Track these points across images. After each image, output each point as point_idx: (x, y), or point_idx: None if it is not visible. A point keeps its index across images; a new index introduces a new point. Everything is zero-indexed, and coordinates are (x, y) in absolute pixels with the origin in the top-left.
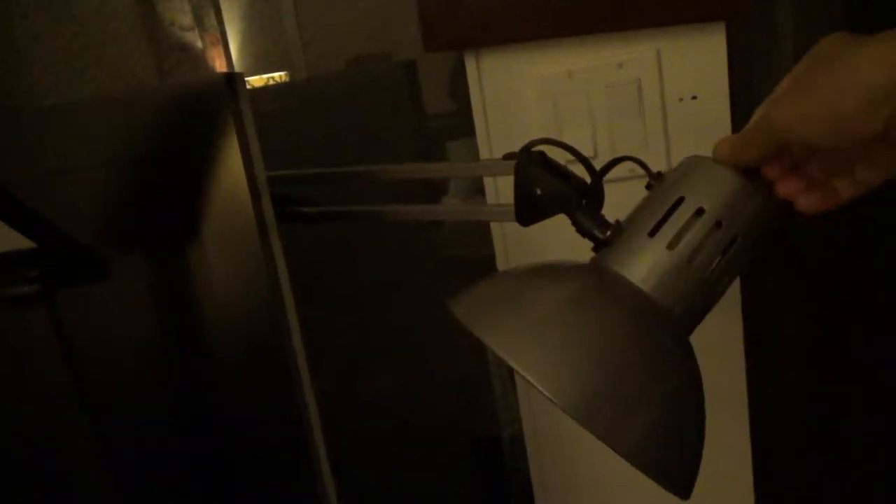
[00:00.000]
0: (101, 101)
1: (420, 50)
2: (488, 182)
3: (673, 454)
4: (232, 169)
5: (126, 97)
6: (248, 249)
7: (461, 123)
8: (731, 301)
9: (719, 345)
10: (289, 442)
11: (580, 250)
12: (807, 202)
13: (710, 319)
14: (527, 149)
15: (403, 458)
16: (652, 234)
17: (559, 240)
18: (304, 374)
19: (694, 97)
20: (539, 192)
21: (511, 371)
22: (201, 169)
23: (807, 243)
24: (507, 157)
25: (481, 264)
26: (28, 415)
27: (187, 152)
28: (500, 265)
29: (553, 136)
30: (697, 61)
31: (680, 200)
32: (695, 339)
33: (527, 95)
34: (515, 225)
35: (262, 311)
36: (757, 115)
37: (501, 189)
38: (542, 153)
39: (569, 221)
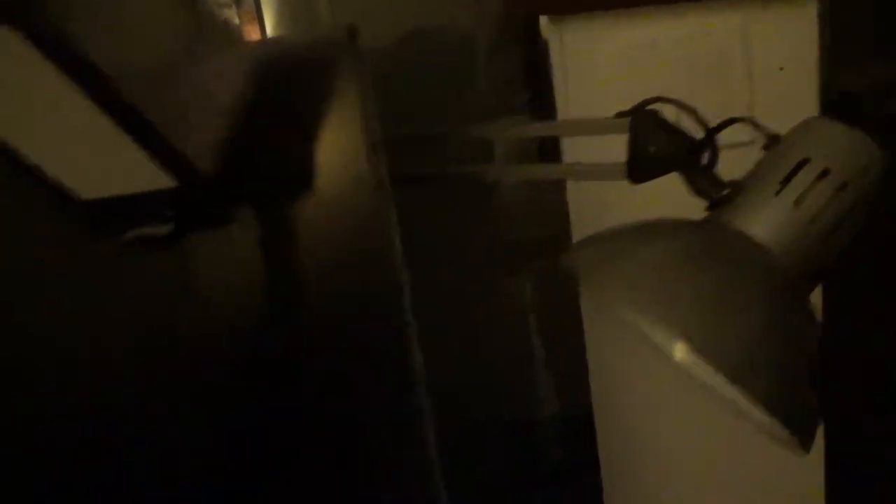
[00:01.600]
0: (230, 50)
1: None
2: (566, 146)
3: (797, 408)
4: (350, 124)
5: (254, 48)
6: (365, 207)
7: (514, 99)
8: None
9: None
10: (399, 396)
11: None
12: None
13: None
14: (641, 106)
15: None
16: (777, 193)
17: (632, 211)
18: (413, 331)
19: (781, 68)
20: (653, 150)
21: (561, 354)
22: (321, 123)
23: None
24: (620, 115)
25: (531, 246)
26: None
27: (309, 104)
28: (576, 237)
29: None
30: (786, 32)
31: (804, 161)
32: None
33: (608, 64)
34: (592, 195)
35: (377, 270)
36: None
37: (581, 153)
38: (655, 112)
39: (638, 192)
